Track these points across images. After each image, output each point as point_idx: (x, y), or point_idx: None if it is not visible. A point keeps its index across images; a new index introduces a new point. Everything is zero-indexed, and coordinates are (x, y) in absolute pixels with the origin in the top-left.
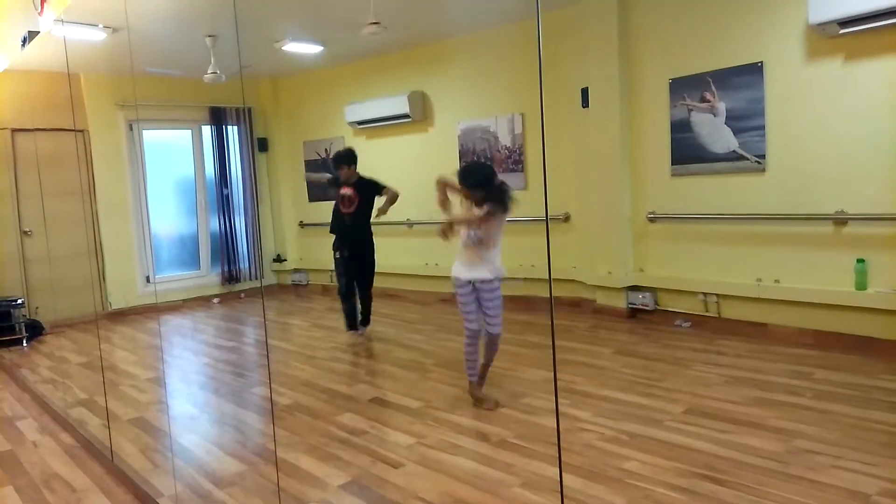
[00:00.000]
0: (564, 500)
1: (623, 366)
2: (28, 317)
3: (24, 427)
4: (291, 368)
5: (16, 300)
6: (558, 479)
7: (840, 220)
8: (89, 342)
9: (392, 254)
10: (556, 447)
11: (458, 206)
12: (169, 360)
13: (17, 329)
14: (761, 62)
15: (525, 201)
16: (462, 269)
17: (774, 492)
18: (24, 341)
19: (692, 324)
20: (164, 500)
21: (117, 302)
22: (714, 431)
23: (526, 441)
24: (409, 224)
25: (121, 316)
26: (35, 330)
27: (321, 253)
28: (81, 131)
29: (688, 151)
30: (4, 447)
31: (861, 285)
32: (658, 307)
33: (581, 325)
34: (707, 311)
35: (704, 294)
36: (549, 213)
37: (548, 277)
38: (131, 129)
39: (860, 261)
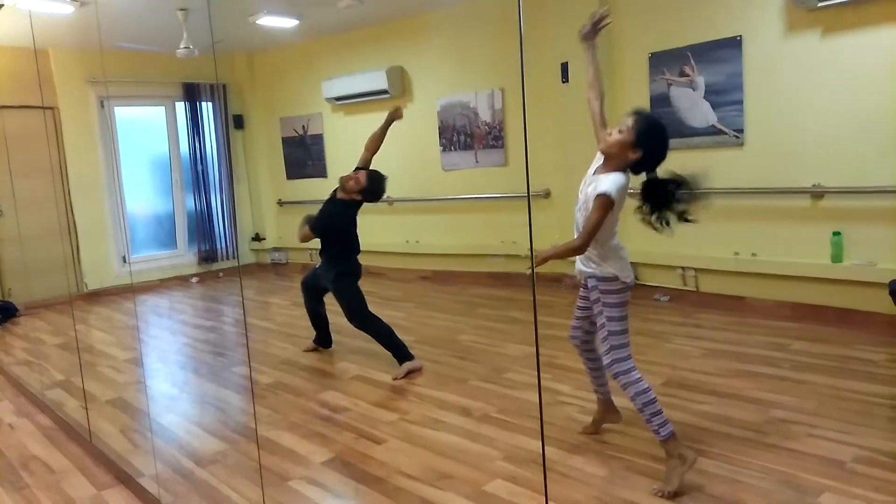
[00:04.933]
0: (546, 472)
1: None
2: (1, 298)
3: (0, 409)
4: (272, 347)
5: None
6: (540, 451)
7: (817, 194)
8: (65, 323)
9: (373, 231)
10: (538, 421)
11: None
12: (147, 340)
13: None
14: (740, 36)
15: (505, 178)
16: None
17: (753, 461)
18: None
19: (671, 298)
20: (145, 479)
21: (93, 282)
22: (693, 403)
23: (508, 415)
24: (390, 201)
25: (97, 296)
26: (8, 311)
27: None
28: (51, 108)
29: (667, 126)
30: None
31: (837, 258)
32: (637, 281)
33: (562, 301)
34: (685, 286)
35: (683, 268)
36: (529, 190)
37: (530, 254)
38: (102, 106)
39: (836, 233)
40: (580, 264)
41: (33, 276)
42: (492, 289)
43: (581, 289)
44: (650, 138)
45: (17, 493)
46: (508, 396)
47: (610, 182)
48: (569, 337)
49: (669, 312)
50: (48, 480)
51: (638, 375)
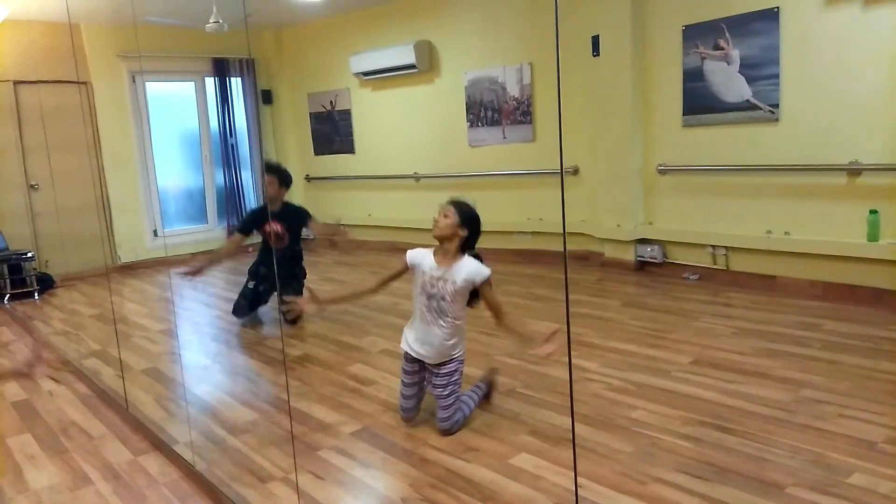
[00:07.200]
0: (575, 447)
1: (630, 318)
2: (38, 270)
3: (40, 377)
4: (301, 321)
5: (26, 253)
6: (565, 426)
7: (854, 171)
8: (100, 295)
9: (399, 208)
10: (564, 396)
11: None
12: (180, 312)
13: (29, 282)
14: (777, 8)
15: (533, 154)
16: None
17: (781, 440)
18: (36, 294)
19: (700, 276)
20: (180, 446)
21: (126, 255)
22: (721, 381)
23: (533, 391)
24: (417, 178)
25: (130, 269)
26: (46, 283)
27: (330, 207)
28: (84, 83)
29: (700, 101)
30: (21, 396)
31: (873, 237)
32: (666, 260)
33: (589, 278)
34: (715, 264)
35: (713, 247)
36: (557, 166)
37: (562, 231)
38: (134, 81)
39: (873, 212)
40: (429, 349)
41: (69, 249)
42: (518, 266)
43: (409, 364)
44: (471, 219)
45: (57, 458)
46: (534, 372)
47: (477, 265)
48: (403, 412)
49: (698, 291)
50: (87, 446)
51: (459, 415)
